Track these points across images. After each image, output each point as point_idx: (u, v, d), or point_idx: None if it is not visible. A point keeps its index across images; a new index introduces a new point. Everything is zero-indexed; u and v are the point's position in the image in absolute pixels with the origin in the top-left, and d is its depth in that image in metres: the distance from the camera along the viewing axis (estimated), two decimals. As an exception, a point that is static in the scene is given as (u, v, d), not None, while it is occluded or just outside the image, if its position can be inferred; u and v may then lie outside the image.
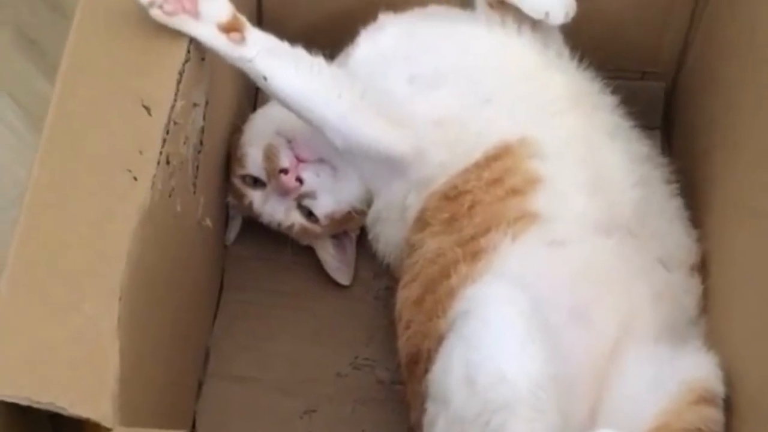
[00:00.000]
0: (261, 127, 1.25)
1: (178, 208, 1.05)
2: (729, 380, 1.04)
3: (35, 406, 0.83)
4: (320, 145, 1.21)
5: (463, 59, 1.21)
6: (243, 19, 1.12)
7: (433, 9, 1.29)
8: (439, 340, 1.05)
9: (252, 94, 1.40)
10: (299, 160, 1.22)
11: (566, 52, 1.24)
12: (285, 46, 1.15)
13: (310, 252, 1.29)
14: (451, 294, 1.07)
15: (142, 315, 0.95)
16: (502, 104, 1.16)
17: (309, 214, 1.24)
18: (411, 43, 1.22)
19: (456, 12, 1.28)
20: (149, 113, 1.01)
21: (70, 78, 1.02)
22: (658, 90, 1.39)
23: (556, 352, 1.01)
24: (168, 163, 1.01)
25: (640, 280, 1.10)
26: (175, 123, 1.02)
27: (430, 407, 1.04)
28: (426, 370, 1.06)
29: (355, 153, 1.18)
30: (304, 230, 1.25)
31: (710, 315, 1.13)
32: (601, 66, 1.28)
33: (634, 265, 1.11)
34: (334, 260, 1.29)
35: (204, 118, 1.13)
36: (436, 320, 1.07)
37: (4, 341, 0.86)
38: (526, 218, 1.09)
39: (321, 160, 1.22)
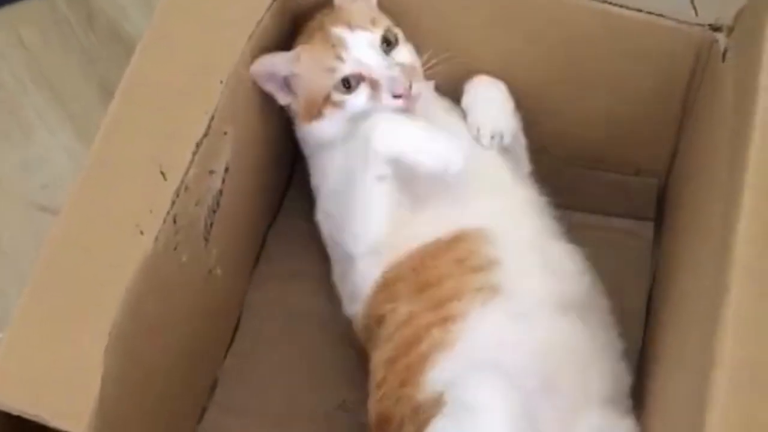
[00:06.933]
0: None
1: (184, 259, 1.22)
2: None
3: (25, 416, 1.02)
4: None
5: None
6: None
7: None
8: (415, 410, 1.17)
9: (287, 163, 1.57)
10: None
11: (525, 168, 1.40)
12: None
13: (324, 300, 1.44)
14: (424, 359, 1.19)
15: (136, 347, 1.13)
16: (464, 204, 1.29)
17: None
18: None
19: None
20: (164, 178, 1.19)
21: (105, 142, 1.20)
22: (651, 186, 1.50)
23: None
24: (175, 222, 1.18)
25: (593, 358, 1.23)
26: (186, 188, 1.20)
27: None
28: None
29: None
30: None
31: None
32: (599, 161, 1.42)
33: (588, 345, 1.23)
34: None
35: (223, 182, 1.31)
36: (411, 388, 1.18)
37: (10, 362, 1.06)
38: (490, 289, 1.22)
39: None
